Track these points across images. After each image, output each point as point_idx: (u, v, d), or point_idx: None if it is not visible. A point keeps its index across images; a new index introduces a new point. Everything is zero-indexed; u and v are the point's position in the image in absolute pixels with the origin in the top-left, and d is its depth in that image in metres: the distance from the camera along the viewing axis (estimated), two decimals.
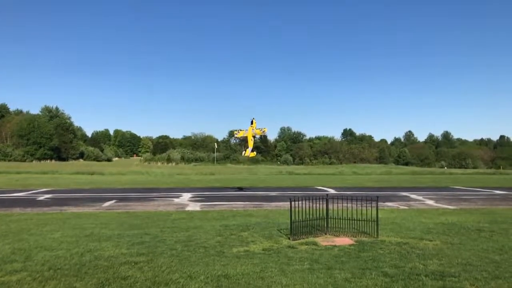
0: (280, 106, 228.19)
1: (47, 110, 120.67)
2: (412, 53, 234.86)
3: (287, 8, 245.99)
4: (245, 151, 24.86)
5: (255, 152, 25.43)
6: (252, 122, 24.10)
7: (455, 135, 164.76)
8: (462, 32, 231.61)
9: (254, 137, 24.71)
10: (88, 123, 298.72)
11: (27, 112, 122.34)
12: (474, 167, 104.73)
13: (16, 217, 14.20)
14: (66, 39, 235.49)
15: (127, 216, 14.76)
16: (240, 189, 28.02)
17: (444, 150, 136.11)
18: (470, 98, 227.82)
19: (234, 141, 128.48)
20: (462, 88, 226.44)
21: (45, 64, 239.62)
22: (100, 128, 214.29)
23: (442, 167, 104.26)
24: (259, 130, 24.19)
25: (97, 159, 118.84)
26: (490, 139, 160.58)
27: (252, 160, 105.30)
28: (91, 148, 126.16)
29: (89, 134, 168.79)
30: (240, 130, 25.23)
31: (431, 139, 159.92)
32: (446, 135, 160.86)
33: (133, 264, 7.89)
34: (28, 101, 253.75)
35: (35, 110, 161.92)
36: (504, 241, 10.28)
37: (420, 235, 11.01)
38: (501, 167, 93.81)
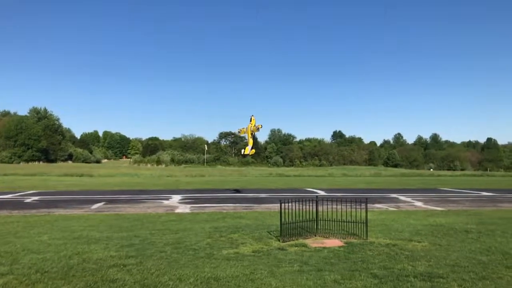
0: (271, 108, 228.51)
1: (35, 111, 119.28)
2: (402, 56, 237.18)
3: (278, 10, 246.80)
4: (244, 149, 24.13)
5: (254, 150, 24.34)
6: (251, 119, 23.22)
7: (444, 137, 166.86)
8: (450, 36, 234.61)
9: (253, 134, 23.66)
10: (77, 124, 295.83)
11: (15, 113, 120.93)
12: (462, 169, 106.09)
13: (2, 219, 13.99)
14: (55, 40, 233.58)
15: (116, 218, 14.64)
16: (237, 191, 27.88)
17: (432, 152, 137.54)
18: (458, 101, 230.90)
19: (225, 143, 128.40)
20: (451, 91, 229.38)
21: (33, 65, 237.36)
22: (89, 129, 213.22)
23: (429, 169, 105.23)
24: (255, 127, 23.38)
25: (86, 160, 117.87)
26: (477, 141, 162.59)
27: (243, 162, 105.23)
28: (80, 150, 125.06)
29: (78, 135, 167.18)
30: (242, 128, 24.69)
31: (420, 141, 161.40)
32: (434, 137, 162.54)
33: (121, 266, 7.82)
34: (16, 102, 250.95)
35: (23, 111, 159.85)
36: (491, 242, 10.40)
37: (409, 236, 11.09)
38: (488, 169, 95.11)
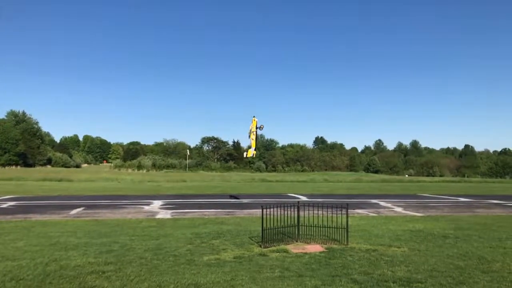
0: (254, 113, 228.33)
1: (13, 114, 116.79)
2: (382, 65, 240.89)
3: (257, 13, 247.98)
4: (247, 152, 23.53)
5: (255, 151, 23.31)
6: (252, 121, 22.31)
7: (423, 144, 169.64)
8: (429, 45, 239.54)
9: (254, 134, 22.49)
10: (57, 128, 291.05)
11: None
12: (441, 175, 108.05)
13: None
14: (34, 42, 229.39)
15: (96, 224, 14.41)
16: (235, 197, 27.50)
17: (412, 159, 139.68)
18: (437, 109, 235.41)
19: (207, 148, 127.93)
20: (430, 99, 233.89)
21: (12, 67, 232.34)
22: (69, 133, 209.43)
23: (410, 175, 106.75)
24: (253, 126, 22.35)
25: (65, 165, 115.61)
26: (455, 148, 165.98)
27: (225, 167, 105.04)
28: (59, 154, 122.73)
29: (57, 139, 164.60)
30: (248, 131, 23.89)
31: (400, 147, 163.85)
32: (414, 144, 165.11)
33: (100, 273, 7.69)
34: None
35: (0, 114, 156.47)
36: (468, 247, 10.60)
37: (389, 242, 11.22)
38: (466, 175, 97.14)
